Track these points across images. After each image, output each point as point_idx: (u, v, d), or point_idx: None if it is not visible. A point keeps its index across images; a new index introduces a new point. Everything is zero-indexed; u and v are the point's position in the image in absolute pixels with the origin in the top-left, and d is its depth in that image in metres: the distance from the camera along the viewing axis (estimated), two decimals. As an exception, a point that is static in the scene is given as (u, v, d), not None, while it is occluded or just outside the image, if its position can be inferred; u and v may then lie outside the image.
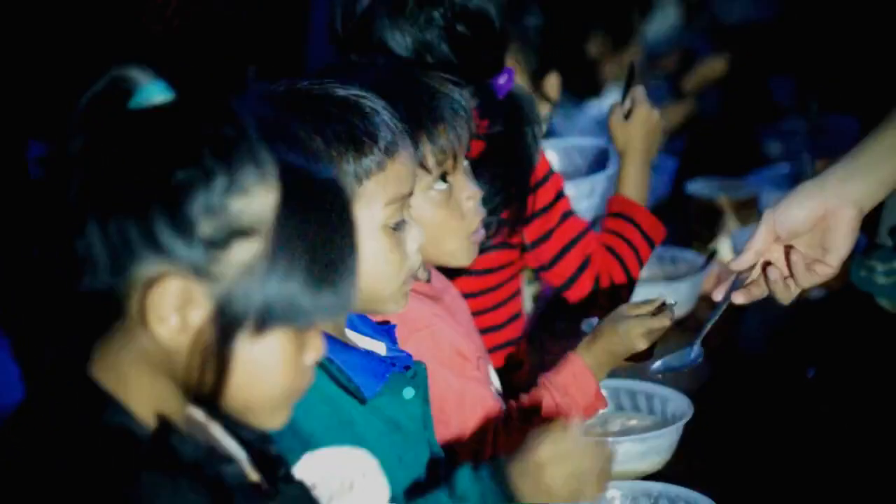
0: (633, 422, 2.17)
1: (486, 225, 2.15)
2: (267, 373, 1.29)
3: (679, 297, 2.66)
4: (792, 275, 1.83)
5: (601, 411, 2.06)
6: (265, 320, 1.26)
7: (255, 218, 1.24)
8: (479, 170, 2.14)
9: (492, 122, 2.23)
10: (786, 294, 1.84)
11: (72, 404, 1.26)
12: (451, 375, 1.94)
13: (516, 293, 2.41)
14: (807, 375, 2.48)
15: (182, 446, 1.25)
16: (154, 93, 1.25)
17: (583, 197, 2.68)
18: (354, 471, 1.55)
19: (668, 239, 2.57)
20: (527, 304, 2.65)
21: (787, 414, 2.35)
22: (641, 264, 2.46)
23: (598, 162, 2.85)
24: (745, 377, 2.54)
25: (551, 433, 1.66)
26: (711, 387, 2.42)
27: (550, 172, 2.40)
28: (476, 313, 2.26)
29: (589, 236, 2.42)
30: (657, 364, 1.98)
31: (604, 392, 2.03)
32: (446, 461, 1.82)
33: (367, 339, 1.80)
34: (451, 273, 2.18)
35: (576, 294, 2.43)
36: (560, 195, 2.41)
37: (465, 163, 2.01)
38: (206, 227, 1.23)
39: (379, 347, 1.80)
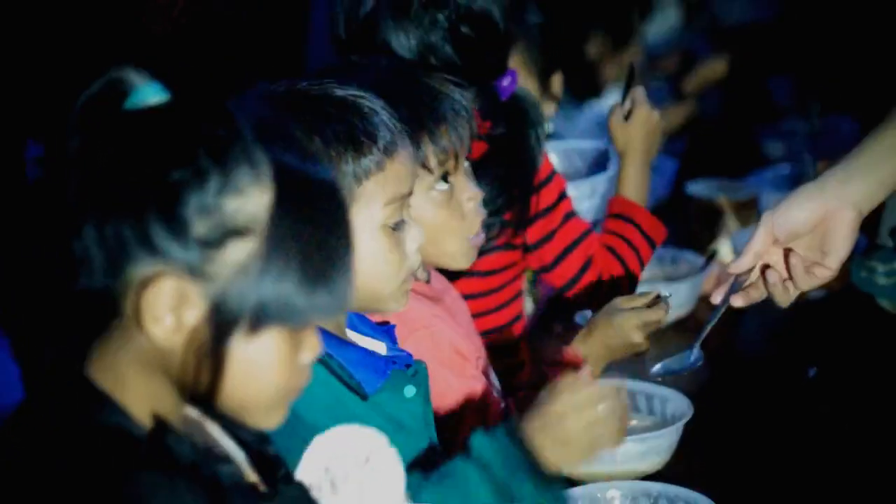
0: (633, 422, 2.17)
1: (489, 226, 2.15)
2: (262, 372, 1.29)
3: (679, 298, 2.66)
4: (791, 277, 1.82)
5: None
6: (260, 320, 1.26)
7: (250, 218, 1.24)
8: (482, 171, 2.13)
9: (494, 124, 2.23)
10: (784, 297, 1.83)
11: (69, 405, 1.27)
12: (451, 375, 1.94)
13: (518, 294, 2.41)
14: (807, 376, 2.48)
15: (179, 446, 1.26)
16: (149, 94, 1.25)
17: (583, 198, 2.68)
18: (367, 446, 1.53)
19: (668, 240, 2.56)
20: (527, 305, 2.65)
21: (787, 414, 2.35)
22: (643, 265, 2.45)
23: (598, 164, 2.85)
24: (745, 377, 2.54)
25: (566, 383, 1.65)
26: (711, 387, 2.41)
27: (553, 173, 2.40)
28: (479, 314, 2.26)
29: (591, 237, 2.42)
30: (657, 367, 1.98)
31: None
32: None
33: (367, 338, 1.80)
34: (455, 275, 2.18)
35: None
36: (563, 196, 2.41)
37: (466, 164, 2.01)
38: (200, 227, 1.23)
39: (379, 347, 1.80)
